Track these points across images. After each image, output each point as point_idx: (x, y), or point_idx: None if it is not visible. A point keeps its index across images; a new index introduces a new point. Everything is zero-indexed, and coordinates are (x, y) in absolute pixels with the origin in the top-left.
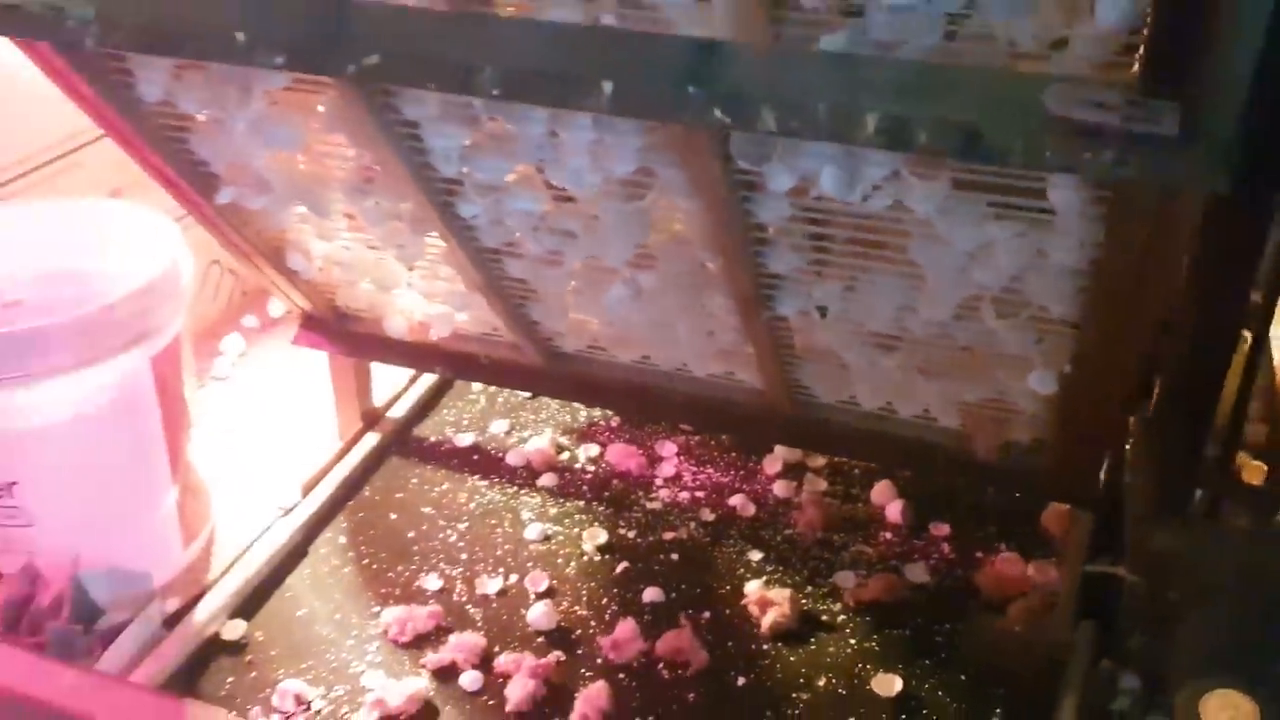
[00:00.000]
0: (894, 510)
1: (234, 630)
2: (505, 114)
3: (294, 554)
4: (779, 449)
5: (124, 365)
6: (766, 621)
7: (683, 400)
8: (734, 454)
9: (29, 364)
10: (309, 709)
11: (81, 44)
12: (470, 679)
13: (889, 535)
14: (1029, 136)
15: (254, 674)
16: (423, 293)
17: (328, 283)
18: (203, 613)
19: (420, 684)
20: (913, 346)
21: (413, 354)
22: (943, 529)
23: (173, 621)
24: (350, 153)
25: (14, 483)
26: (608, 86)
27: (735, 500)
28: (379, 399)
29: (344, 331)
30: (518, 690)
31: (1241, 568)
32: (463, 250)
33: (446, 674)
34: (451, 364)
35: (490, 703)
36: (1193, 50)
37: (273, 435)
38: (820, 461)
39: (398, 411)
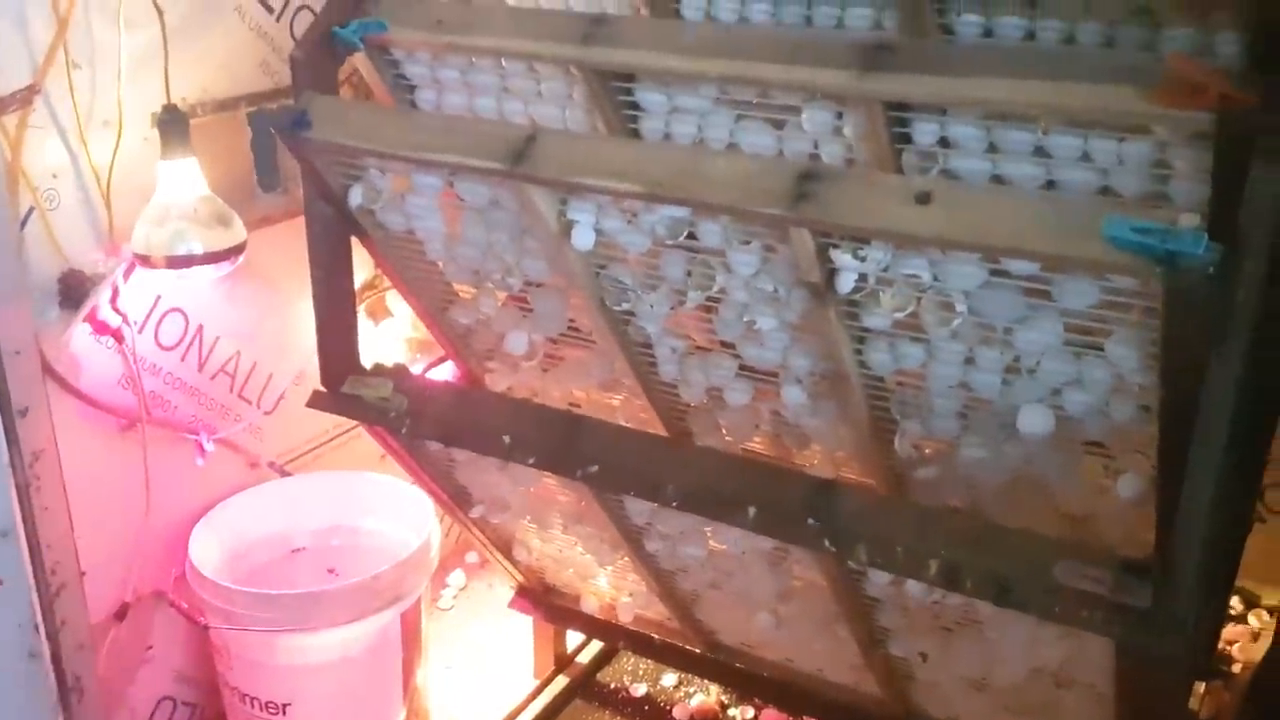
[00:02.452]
0: None
1: None
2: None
3: None
4: None
5: (382, 620)
6: None
7: (818, 700)
8: None
9: (315, 618)
10: None
11: (399, 429)
12: None
13: None
14: (1045, 596)
15: None
16: (613, 585)
17: (541, 568)
18: None
19: None
20: (997, 692)
21: (601, 629)
22: None
23: None
24: (573, 498)
25: (289, 704)
26: (751, 510)
27: None
28: (570, 643)
29: (549, 603)
30: None
31: None
32: (646, 568)
33: None
34: (632, 640)
35: None
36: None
37: (481, 664)
38: None
39: (585, 658)
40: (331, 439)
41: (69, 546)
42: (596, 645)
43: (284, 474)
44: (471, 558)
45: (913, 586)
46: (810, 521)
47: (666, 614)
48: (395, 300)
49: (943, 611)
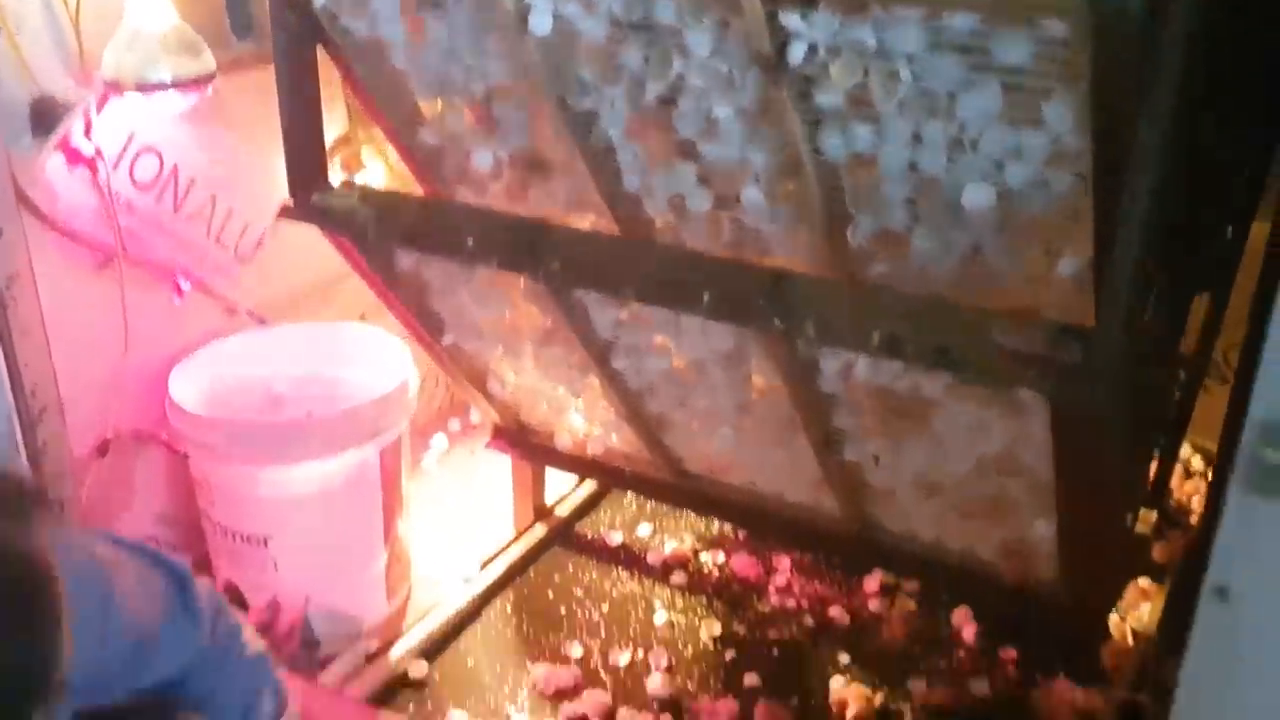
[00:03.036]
0: (969, 632)
1: (418, 669)
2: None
3: (469, 615)
4: (879, 572)
5: (361, 455)
6: (849, 715)
7: (779, 520)
8: (839, 572)
9: (293, 450)
10: None
11: (365, 236)
12: None
13: (962, 653)
14: (982, 357)
15: (430, 705)
16: (585, 417)
17: (516, 403)
18: (396, 653)
19: None
20: (947, 492)
21: (575, 463)
22: (1010, 653)
23: (373, 657)
24: (539, 317)
25: (269, 537)
26: (706, 296)
27: (834, 611)
28: (549, 498)
29: (525, 441)
30: None
31: None
32: (614, 390)
33: None
34: (604, 473)
35: None
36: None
37: (463, 520)
38: (913, 585)
39: (563, 510)
40: (310, 291)
41: (47, 371)
42: (576, 499)
43: (261, 323)
44: (454, 425)
45: (861, 370)
46: (760, 302)
47: (636, 444)
48: (370, 155)
49: (892, 400)
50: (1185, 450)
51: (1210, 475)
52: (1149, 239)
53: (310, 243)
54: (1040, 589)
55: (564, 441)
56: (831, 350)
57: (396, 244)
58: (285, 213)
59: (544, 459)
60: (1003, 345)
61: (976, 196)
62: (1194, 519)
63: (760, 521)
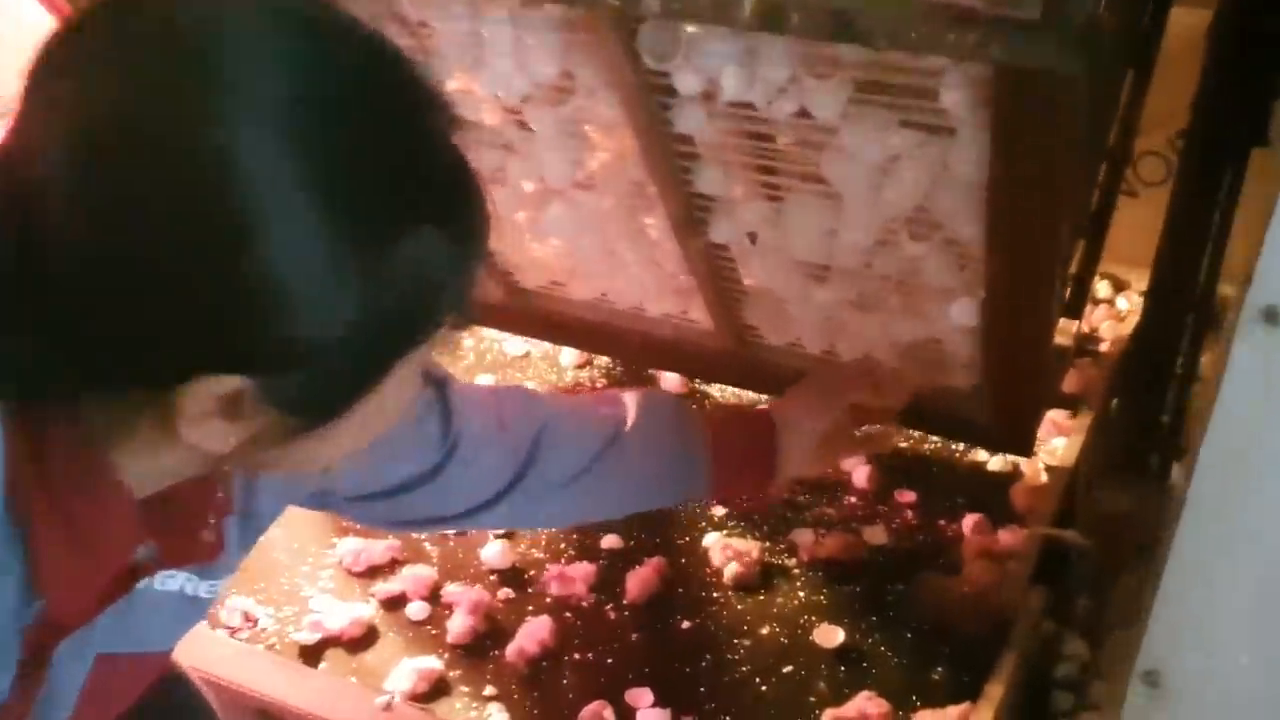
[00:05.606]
0: (861, 476)
1: None
2: (431, 13)
3: None
4: None
5: None
6: (727, 572)
7: (638, 338)
8: None
9: None
10: (255, 625)
11: None
12: (416, 609)
13: (853, 499)
14: (897, 20)
15: None
16: None
17: None
18: None
19: (366, 610)
20: (843, 277)
21: None
22: (908, 496)
23: None
24: None
25: None
26: None
27: None
28: None
29: None
30: (460, 621)
31: None
32: None
33: (394, 603)
34: None
35: (432, 632)
36: None
37: None
38: None
39: None
40: None
41: None
42: None
43: None
44: None
45: (729, 84)
46: None
47: None
48: None
49: (769, 139)
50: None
51: (1118, 301)
52: None
53: None
54: (953, 407)
55: None
56: (687, 59)
57: None
58: None
59: None
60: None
61: None
62: (1104, 346)
63: (615, 343)
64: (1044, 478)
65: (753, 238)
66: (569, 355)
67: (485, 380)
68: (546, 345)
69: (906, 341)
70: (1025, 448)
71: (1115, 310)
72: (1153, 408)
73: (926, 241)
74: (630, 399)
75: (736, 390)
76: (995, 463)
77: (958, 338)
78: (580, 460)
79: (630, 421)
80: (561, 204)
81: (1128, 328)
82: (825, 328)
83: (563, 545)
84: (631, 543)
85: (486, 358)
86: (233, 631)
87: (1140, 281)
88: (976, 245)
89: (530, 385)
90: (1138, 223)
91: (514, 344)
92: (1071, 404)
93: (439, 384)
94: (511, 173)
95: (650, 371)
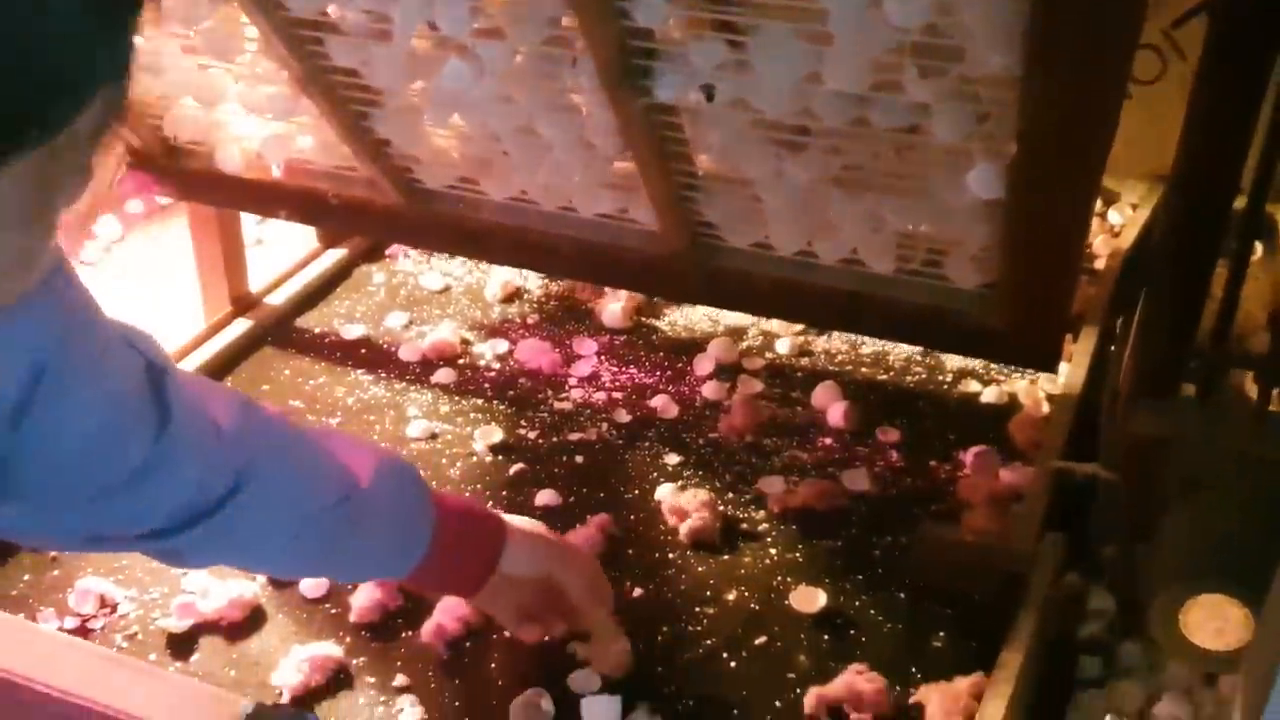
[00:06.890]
0: (836, 414)
1: None
2: None
3: None
4: (712, 348)
5: None
6: (683, 529)
7: (569, 246)
8: (662, 354)
9: None
10: (113, 612)
11: None
12: (311, 585)
13: (829, 440)
14: None
15: (57, 572)
16: (249, 107)
17: (146, 103)
18: None
19: (250, 588)
20: (826, 142)
21: (252, 195)
22: (892, 435)
23: None
24: None
25: None
26: None
27: (657, 401)
28: (257, 285)
29: (176, 169)
30: (365, 597)
31: (1241, 456)
32: (273, 30)
33: (284, 580)
34: (297, 206)
35: (331, 611)
36: None
37: (136, 319)
38: (759, 362)
39: (277, 299)
40: None
41: None
42: (294, 287)
43: None
44: (134, 206)
45: None
46: None
47: (341, 152)
48: None
49: None
50: None
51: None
52: None
53: None
54: (956, 315)
55: (230, 160)
56: None
57: None
58: None
59: (206, 193)
60: None
61: None
62: (1099, 263)
63: (542, 255)
64: (1046, 408)
65: (709, 92)
66: (494, 287)
67: (399, 319)
68: (469, 278)
69: (901, 231)
70: (1052, 360)
71: (1108, 224)
72: (1188, 322)
73: (939, 80)
74: (371, 460)
75: (687, 322)
76: (989, 394)
77: (969, 224)
78: (297, 507)
79: (366, 484)
80: (460, 61)
81: (1124, 242)
82: (800, 219)
83: (491, 504)
84: (571, 499)
85: (400, 293)
86: (84, 620)
87: (1132, 194)
88: (1007, 80)
89: (451, 325)
90: (1130, 128)
91: (431, 277)
92: (1071, 326)
93: (156, 372)
94: (395, 21)
95: (589, 305)
